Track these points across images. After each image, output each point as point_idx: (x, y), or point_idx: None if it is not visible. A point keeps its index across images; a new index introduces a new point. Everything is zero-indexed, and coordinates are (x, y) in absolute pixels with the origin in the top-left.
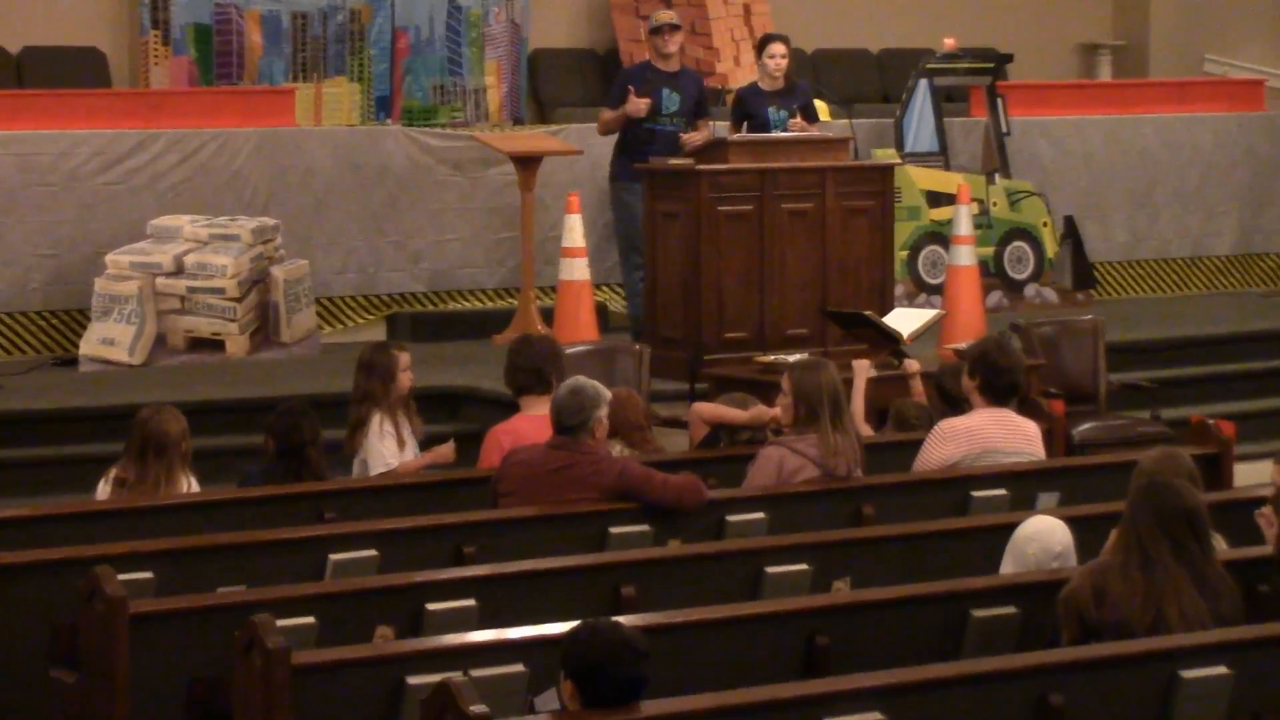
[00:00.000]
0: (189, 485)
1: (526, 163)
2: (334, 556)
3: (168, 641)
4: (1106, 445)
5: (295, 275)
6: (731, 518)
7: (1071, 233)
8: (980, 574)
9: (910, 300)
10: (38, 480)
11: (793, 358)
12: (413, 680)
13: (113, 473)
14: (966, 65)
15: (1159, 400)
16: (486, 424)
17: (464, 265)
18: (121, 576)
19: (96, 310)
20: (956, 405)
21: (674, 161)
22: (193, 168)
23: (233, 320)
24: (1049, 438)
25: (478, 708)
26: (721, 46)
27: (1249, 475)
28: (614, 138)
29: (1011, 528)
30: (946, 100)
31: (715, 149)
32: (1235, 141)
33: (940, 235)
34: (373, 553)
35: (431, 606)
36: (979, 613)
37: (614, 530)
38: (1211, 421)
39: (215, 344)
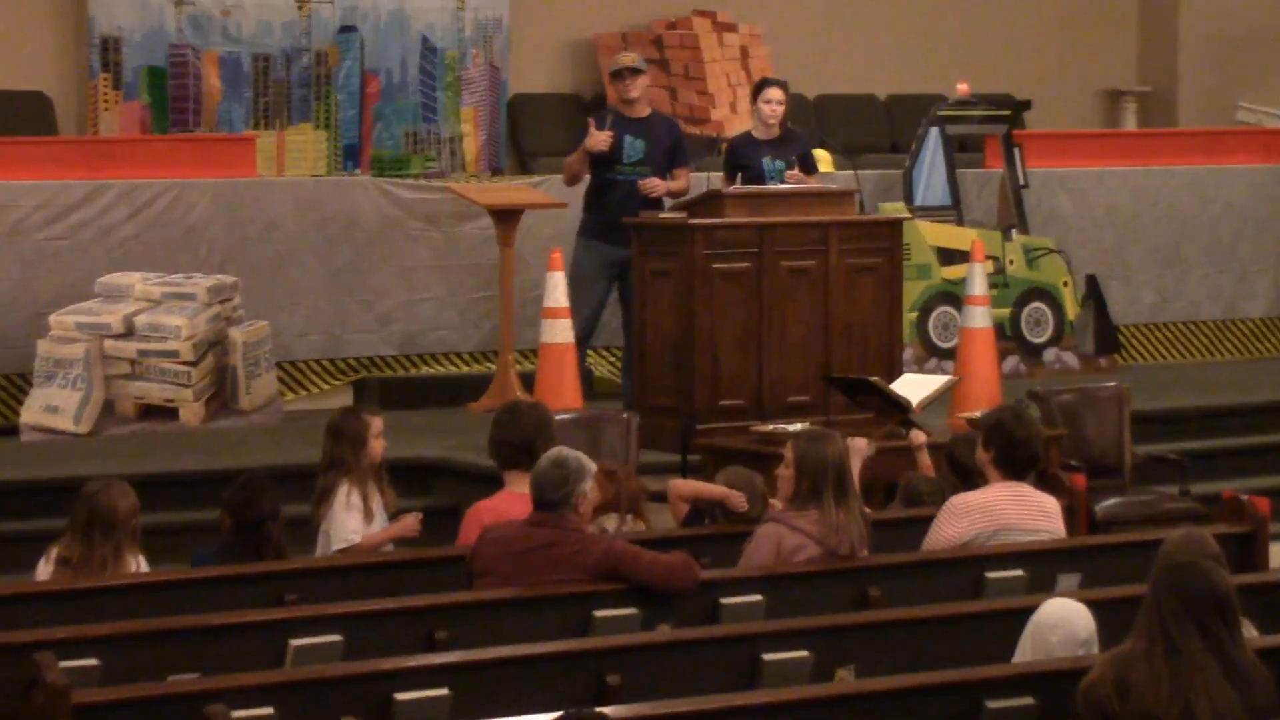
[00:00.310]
0: (138, 565)
1: (506, 216)
2: (295, 642)
3: None
4: (1132, 523)
5: (255, 337)
6: (726, 600)
7: (1094, 293)
8: (995, 661)
9: (920, 365)
10: None
11: (793, 427)
12: None
13: (54, 551)
14: (981, 112)
15: (1188, 474)
16: (461, 499)
17: (437, 327)
18: (64, 664)
19: (39, 375)
20: (970, 479)
21: (665, 215)
22: (145, 221)
23: (187, 386)
24: (1069, 514)
25: None
26: (717, 92)
27: None
28: None
29: (1029, 612)
30: (959, 150)
31: (709, 202)
32: (1271, 195)
33: (953, 295)
34: (337, 637)
35: (400, 696)
36: (994, 704)
37: (599, 613)
38: (1245, 498)
39: (168, 411)
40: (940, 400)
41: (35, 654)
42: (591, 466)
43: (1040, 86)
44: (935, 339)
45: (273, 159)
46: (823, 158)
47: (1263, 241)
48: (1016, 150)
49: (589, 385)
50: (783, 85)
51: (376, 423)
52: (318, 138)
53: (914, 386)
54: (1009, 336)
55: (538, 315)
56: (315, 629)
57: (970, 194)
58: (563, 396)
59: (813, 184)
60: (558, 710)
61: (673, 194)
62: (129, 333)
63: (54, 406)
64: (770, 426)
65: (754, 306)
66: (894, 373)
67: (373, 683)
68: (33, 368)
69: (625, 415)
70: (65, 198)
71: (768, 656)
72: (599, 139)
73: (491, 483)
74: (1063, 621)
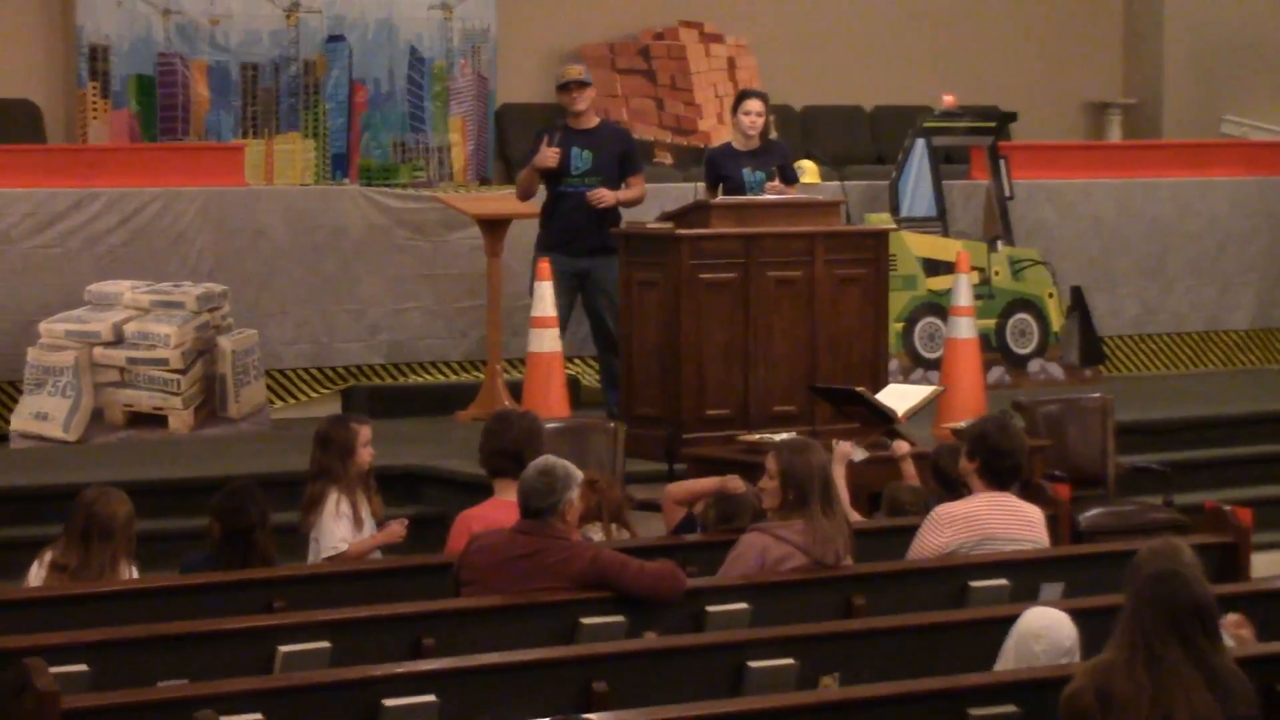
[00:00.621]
0: (130, 573)
1: (493, 226)
2: (283, 648)
3: None
4: (1115, 533)
5: (244, 346)
6: (712, 608)
7: (1079, 304)
8: (979, 670)
9: (905, 376)
10: None
11: (779, 437)
12: None
13: (48, 556)
14: (967, 124)
15: (1172, 485)
16: (449, 507)
17: (425, 336)
18: (53, 669)
19: (29, 382)
20: (954, 489)
21: (652, 225)
22: (133, 230)
23: (176, 394)
24: (1053, 524)
25: None
26: (704, 103)
27: (1267, 566)
28: None
29: (1012, 620)
30: (945, 161)
31: (696, 212)
32: (1255, 208)
33: (938, 306)
34: (325, 644)
35: (388, 703)
36: (977, 711)
37: (585, 621)
38: (1228, 508)
39: (157, 419)
40: (925, 410)
41: (25, 659)
42: (578, 475)
43: (1026, 98)
44: (921, 349)
45: (261, 168)
46: (809, 168)
47: (1246, 254)
48: (1002, 162)
49: (575, 394)
50: (762, 97)
51: (365, 431)
52: (306, 147)
53: (899, 397)
54: (994, 347)
55: (525, 324)
56: (303, 635)
57: (956, 205)
58: (550, 406)
59: (793, 194)
60: (545, 717)
61: (625, 203)
62: (118, 341)
63: (43, 414)
64: (755, 436)
65: (740, 317)
66: (879, 383)
67: (360, 689)
68: (22, 375)
69: (612, 425)
70: (54, 206)
71: (753, 664)
72: (546, 155)
73: (479, 491)
74: (1046, 630)
